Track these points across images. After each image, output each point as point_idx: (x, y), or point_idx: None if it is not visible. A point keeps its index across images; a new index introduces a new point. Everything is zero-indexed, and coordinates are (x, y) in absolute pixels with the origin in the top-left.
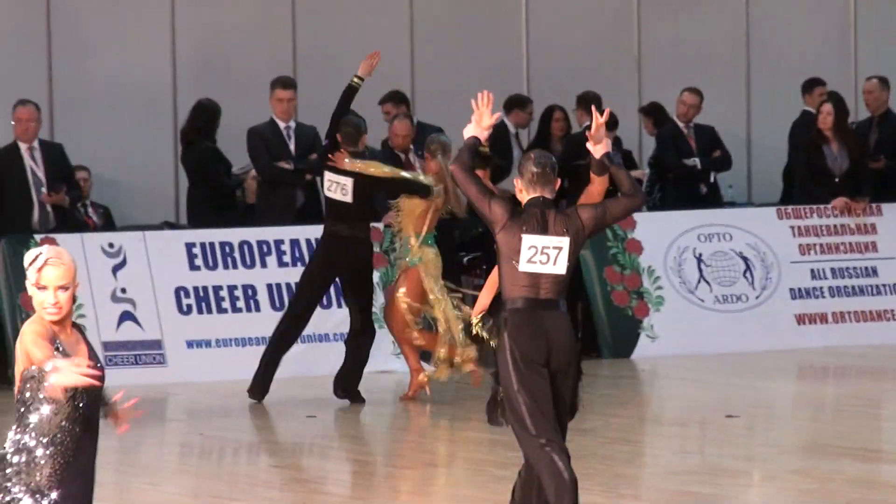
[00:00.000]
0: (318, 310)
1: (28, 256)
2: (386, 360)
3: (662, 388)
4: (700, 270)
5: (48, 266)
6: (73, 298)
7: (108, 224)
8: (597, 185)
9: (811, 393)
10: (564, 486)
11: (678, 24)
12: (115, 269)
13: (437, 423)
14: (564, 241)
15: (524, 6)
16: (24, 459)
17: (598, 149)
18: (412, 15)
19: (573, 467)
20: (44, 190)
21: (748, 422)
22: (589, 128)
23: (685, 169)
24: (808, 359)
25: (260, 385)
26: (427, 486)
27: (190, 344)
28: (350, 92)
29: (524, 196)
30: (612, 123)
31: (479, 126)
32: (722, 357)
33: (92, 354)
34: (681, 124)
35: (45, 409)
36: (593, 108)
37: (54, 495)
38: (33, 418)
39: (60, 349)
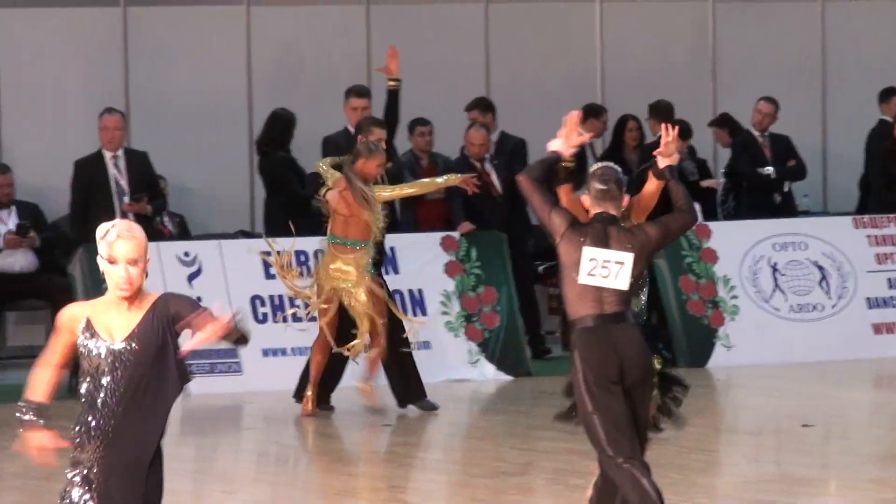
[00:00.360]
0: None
1: (100, 230)
2: (461, 369)
3: (738, 397)
4: (775, 280)
5: (119, 239)
6: (146, 274)
7: (183, 233)
8: (653, 186)
9: (888, 402)
10: (650, 499)
11: (753, 33)
12: (191, 277)
13: (513, 431)
14: (627, 257)
15: (598, 16)
16: (79, 433)
17: (663, 161)
18: (487, 25)
19: (655, 480)
20: (126, 199)
21: (824, 431)
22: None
23: (759, 178)
24: (885, 368)
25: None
26: (502, 496)
27: (265, 352)
28: (394, 94)
29: (591, 211)
30: (685, 133)
31: (565, 143)
32: (798, 366)
33: (141, 331)
34: (756, 133)
35: (84, 386)
36: (664, 125)
37: (90, 471)
38: (82, 392)
39: (90, 333)
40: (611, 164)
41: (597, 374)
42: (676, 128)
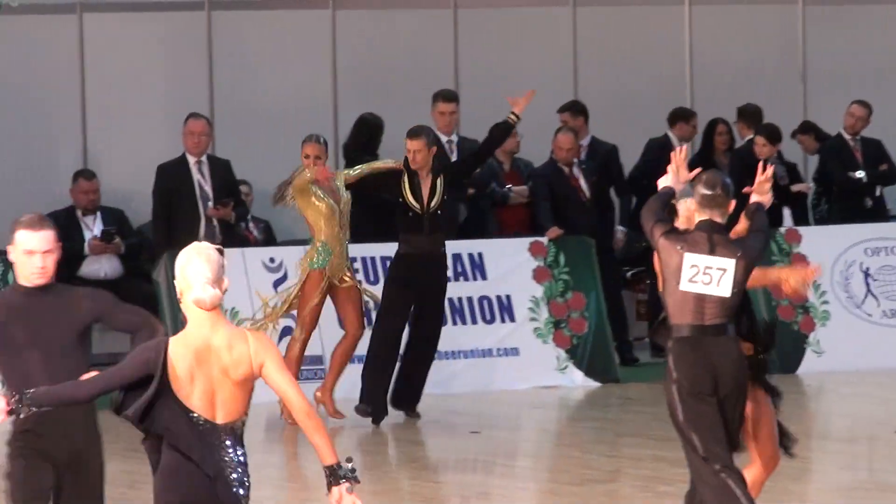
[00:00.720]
0: (483, 324)
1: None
2: (549, 376)
3: (829, 403)
4: (867, 285)
5: None
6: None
7: (269, 239)
8: (742, 226)
9: None
10: None
11: (844, 36)
12: (277, 283)
13: (601, 438)
14: (729, 263)
15: (687, 19)
16: None
17: (756, 197)
18: (575, 29)
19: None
20: (210, 204)
21: None
22: (752, 142)
23: (851, 182)
24: None
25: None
26: (590, 503)
27: (352, 359)
28: (507, 128)
29: (695, 218)
30: (774, 136)
31: (675, 178)
32: (890, 372)
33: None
34: (847, 136)
35: None
36: (760, 165)
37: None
38: None
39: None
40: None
41: (689, 385)
42: (772, 167)
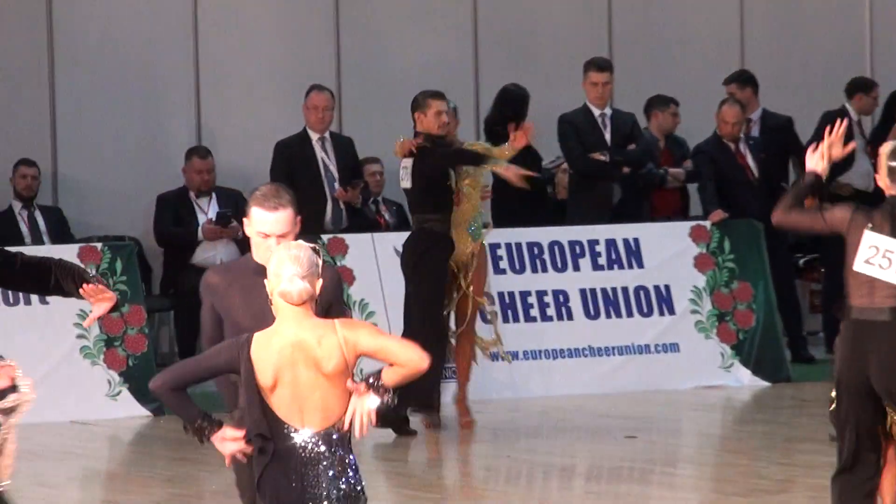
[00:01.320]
0: (639, 317)
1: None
2: (713, 374)
3: None
4: None
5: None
6: None
7: (401, 223)
8: None
9: None
10: None
11: None
12: None
13: (771, 444)
14: None
15: None
16: None
17: None
18: None
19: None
20: (337, 185)
21: None
22: None
23: None
24: None
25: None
26: None
27: (494, 356)
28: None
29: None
30: None
31: (822, 158)
32: None
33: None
34: None
35: None
36: None
37: None
38: None
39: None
40: None
41: (842, 373)
42: None
